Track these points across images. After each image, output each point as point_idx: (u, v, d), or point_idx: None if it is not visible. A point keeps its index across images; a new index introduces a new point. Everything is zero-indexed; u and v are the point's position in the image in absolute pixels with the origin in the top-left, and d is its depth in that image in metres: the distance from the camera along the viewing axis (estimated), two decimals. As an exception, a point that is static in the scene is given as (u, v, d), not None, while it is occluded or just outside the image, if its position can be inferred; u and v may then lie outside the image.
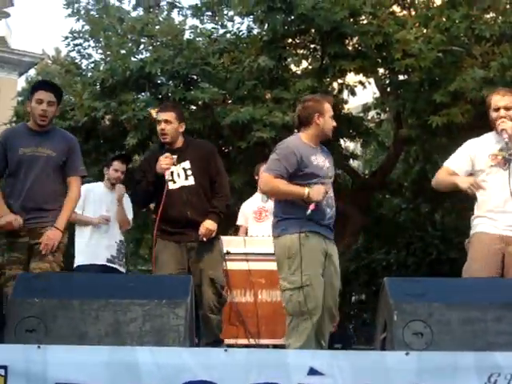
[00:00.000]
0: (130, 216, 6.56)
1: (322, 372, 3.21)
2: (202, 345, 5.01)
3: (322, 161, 4.69)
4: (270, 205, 6.50)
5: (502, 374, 3.18)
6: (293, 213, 4.56)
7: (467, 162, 4.63)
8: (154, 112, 6.19)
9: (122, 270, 6.43)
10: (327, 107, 4.72)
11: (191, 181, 5.13)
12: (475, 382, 3.18)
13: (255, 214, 6.62)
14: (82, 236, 6.38)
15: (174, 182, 5.11)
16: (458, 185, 4.49)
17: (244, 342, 5.57)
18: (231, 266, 5.52)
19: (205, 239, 5.04)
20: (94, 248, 6.31)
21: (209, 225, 5.07)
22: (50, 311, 3.41)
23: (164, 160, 5.04)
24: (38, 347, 3.17)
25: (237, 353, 3.30)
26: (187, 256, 5.12)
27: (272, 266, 5.75)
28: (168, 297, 3.44)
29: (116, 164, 6.49)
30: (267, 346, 5.57)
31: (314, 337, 4.53)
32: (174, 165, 5.07)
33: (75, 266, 6.34)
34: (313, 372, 3.21)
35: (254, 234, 6.45)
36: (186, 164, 5.14)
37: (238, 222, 6.78)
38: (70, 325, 3.40)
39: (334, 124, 4.76)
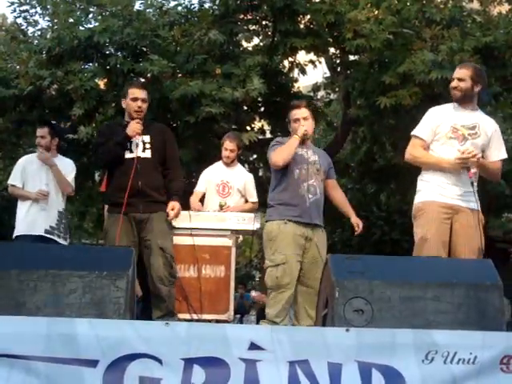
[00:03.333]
0: (70, 178, 6.34)
1: (262, 347, 3.22)
2: (155, 318, 4.99)
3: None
4: (233, 184, 6.48)
5: (439, 352, 3.24)
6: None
7: (432, 131, 4.78)
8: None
9: (62, 241, 6.24)
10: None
11: (148, 154, 5.22)
12: (413, 359, 3.24)
13: (218, 187, 6.50)
14: (21, 207, 6.24)
15: (131, 152, 5.19)
16: (450, 168, 4.65)
17: (187, 316, 5.54)
18: (176, 240, 5.46)
19: (169, 218, 5.21)
20: (32, 218, 6.15)
21: (177, 206, 5.22)
22: (-14, 281, 3.32)
23: (136, 124, 5.15)
24: (-26, 317, 3.11)
25: (177, 326, 3.29)
26: (137, 228, 5.14)
27: (216, 241, 5.77)
28: (109, 269, 3.40)
29: (37, 132, 6.36)
30: (209, 321, 5.57)
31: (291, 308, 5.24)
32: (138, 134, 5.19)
33: (13, 236, 6.21)
34: (253, 346, 3.22)
35: (214, 207, 6.32)
36: (147, 138, 5.25)
37: (199, 189, 6.59)
38: (8, 295, 3.33)
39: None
